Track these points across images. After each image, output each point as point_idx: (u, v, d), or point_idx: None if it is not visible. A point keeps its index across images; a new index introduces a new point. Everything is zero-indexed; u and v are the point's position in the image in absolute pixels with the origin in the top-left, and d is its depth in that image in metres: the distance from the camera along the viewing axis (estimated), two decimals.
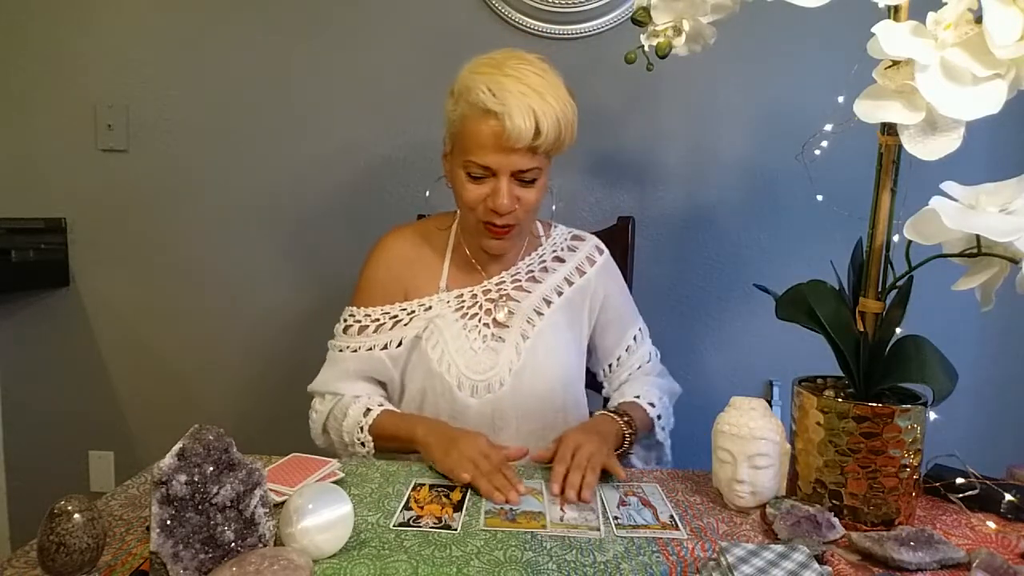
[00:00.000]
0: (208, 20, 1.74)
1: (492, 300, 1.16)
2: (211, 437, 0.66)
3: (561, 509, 0.85)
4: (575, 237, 1.27)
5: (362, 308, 1.17)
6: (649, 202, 1.73)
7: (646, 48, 0.96)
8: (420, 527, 0.79)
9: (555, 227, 1.27)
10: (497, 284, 1.18)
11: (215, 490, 0.65)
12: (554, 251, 1.23)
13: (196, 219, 1.80)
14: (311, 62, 1.73)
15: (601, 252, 1.26)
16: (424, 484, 0.91)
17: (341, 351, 1.16)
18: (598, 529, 0.80)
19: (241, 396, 1.84)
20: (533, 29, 1.67)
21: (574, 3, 1.64)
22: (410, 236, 1.21)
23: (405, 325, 1.14)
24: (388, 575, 0.68)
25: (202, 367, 1.84)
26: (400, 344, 1.14)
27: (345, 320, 1.18)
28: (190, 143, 1.78)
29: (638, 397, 1.16)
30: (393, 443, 1.07)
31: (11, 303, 1.83)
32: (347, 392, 1.15)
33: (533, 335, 1.15)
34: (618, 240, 1.41)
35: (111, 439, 1.87)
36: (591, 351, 1.26)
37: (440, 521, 0.80)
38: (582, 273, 1.22)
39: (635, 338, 1.26)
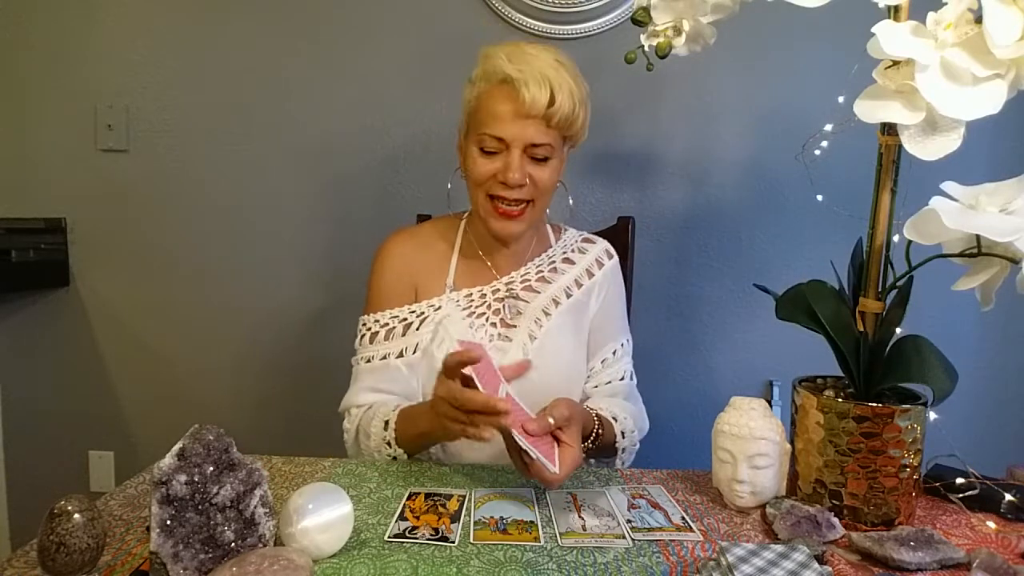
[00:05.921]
0: (208, 20, 1.74)
1: (501, 299, 1.15)
2: (211, 437, 0.66)
3: (580, 517, 0.82)
4: (586, 240, 1.27)
5: (372, 315, 1.15)
6: (649, 202, 1.73)
7: (646, 48, 0.96)
8: (416, 539, 0.76)
9: (566, 230, 1.28)
10: (507, 283, 1.17)
11: (215, 490, 0.65)
12: (564, 253, 1.23)
13: (196, 219, 1.80)
14: (311, 62, 1.73)
15: (611, 256, 1.26)
16: (420, 493, 0.88)
17: (357, 364, 1.14)
18: (624, 536, 0.77)
19: (241, 396, 1.84)
20: (533, 29, 1.67)
21: (574, 3, 1.64)
22: (412, 237, 1.21)
23: (417, 329, 1.12)
24: (388, 575, 0.68)
25: (202, 367, 1.84)
26: (416, 351, 1.11)
27: (359, 332, 1.16)
28: (190, 143, 1.78)
29: (615, 419, 1.09)
30: (421, 441, 1.03)
31: (11, 303, 1.83)
32: (365, 403, 1.11)
33: (540, 335, 1.13)
34: (618, 240, 1.41)
35: (111, 439, 1.87)
36: None
37: (437, 533, 0.77)
38: (591, 275, 1.22)
39: (614, 352, 1.20)
